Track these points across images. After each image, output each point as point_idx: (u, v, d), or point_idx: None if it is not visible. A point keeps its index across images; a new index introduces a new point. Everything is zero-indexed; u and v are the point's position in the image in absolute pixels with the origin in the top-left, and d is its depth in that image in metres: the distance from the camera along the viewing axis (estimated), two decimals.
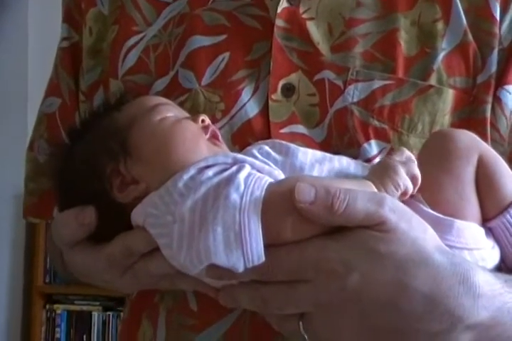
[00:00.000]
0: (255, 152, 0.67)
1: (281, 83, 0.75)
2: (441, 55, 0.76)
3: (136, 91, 0.77)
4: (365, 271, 0.58)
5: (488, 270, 0.63)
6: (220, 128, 0.74)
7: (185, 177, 0.63)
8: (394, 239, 0.59)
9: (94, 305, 2.73)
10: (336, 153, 0.70)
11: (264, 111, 0.75)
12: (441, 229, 0.63)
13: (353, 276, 0.58)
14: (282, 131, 0.74)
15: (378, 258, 0.58)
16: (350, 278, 0.58)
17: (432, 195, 0.65)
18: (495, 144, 0.75)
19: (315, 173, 0.66)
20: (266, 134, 0.74)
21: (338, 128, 0.74)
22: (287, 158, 0.66)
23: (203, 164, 0.64)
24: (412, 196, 0.66)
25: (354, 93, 0.75)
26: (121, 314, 2.67)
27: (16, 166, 2.34)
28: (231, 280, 0.62)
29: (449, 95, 0.75)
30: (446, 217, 0.64)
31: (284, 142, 0.69)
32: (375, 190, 0.63)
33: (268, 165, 0.65)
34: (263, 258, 0.58)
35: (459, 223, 0.64)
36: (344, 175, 0.67)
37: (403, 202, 0.65)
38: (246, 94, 0.76)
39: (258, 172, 0.63)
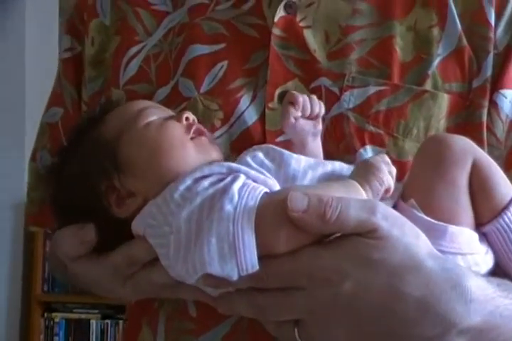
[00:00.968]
0: (249, 160, 0.67)
1: (277, 91, 0.76)
2: (436, 61, 0.76)
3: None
4: (359, 278, 0.59)
5: (480, 275, 0.64)
6: (218, 137, 0.75)
7: (182, 187, 0.64)
8: (386, 245, 0.59)
9: (92, 313, 2.72)
10: (331, 159, 0.71)
11: (262, 119, 0.76)
12: (435, 234, 0.63)
13: (347, 283, 0.59)
14: (278, 139, 0.75)
15: (371, 265, 0.59)
16: (344, 286, 0.59)
17: (426, 200, 0.66)
18: (491, 148, 0.75)
19: (308, 180, 0.66)
20: (264, 142, 0.74)
21: (334, 135, 0.75)
22: (280, 167, 0.67)
23: (198, 174, 0.64)
24: (405, 201, 0.66)
25: (350, 99, 0.75)
26: (120, 322, 2.67)
27: (14, 176, 2.36)
28: (228, 288, 0.63)
29: (445, 100, 0.76)
30: (439, 223, 0.64)
31: (277, 148, 0.69)
32: (360, 188, 0.63)
33: (263, 173, 0.65)
34: (257, 267, 0.59)
35: (452, 228, 0.64)
36: (335, 178, 0.67)
37: (397, 207, 0.65)
38: (244, 102, 0.76)
39: (253, 181, 0.63)
